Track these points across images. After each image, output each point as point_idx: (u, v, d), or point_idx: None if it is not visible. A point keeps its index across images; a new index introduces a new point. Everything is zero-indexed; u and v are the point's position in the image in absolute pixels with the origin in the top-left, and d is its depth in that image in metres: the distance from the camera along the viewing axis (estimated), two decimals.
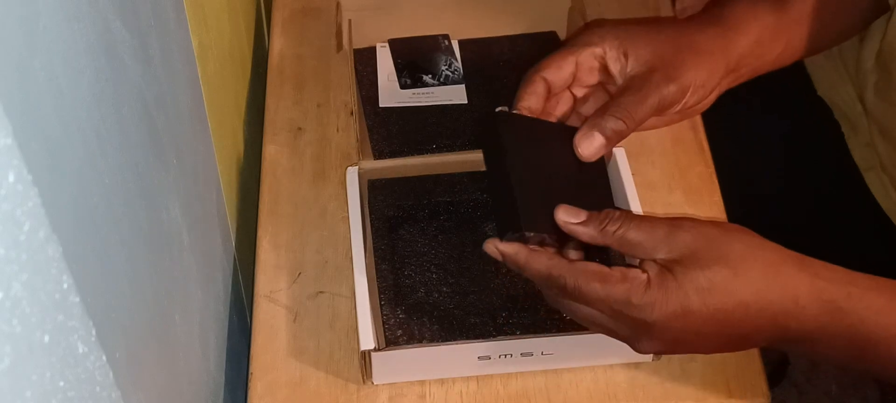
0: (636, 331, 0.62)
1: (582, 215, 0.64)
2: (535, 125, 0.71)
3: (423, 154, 0.83)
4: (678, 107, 0.73)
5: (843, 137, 0.95)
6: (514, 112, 0.72)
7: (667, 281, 0.60)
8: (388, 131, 0.86)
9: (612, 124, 0.70)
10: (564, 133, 0.72)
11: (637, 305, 0.60)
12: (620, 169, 0.77)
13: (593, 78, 0.75)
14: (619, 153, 0.79)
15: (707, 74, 0.74)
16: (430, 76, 0.91)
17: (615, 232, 0.63)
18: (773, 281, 0.61)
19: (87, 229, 0.42)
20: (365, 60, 0.92)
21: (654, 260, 0.62)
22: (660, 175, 0.84)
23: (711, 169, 0.85)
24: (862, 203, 0.93)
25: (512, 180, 0.66)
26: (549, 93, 0.73)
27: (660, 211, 0.82)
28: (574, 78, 0.74)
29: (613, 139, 0.70)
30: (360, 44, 0.93)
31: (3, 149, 0.31)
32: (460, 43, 0.94)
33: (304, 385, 0.73)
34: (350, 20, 0.92)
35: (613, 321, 0.62)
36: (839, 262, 0.96)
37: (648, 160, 0.85)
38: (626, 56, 0.73)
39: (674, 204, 0.83)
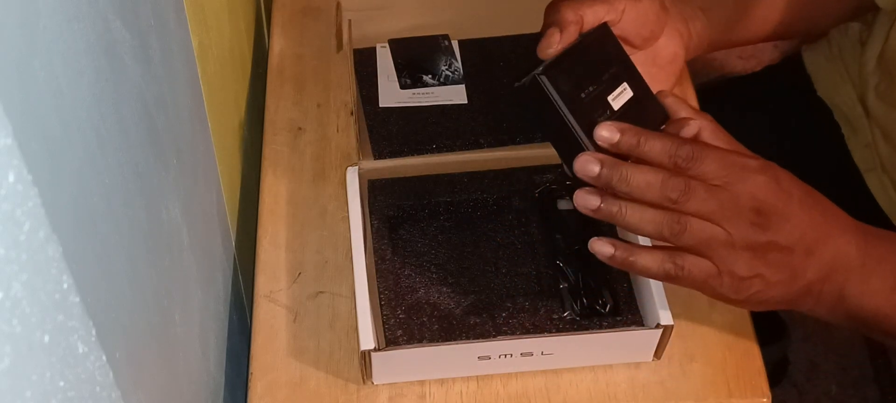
0: (739, 233, 0.61)
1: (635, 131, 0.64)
2: (570, 58, 0.69)
3: (423, 154, 0.83)
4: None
5: (843, 138, 0.95)
6: (549, 64, 0.68)
7: (770, 163, 0.63)
8: (388, 131, 0.86)
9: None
10: (587, 50, 0.70)
11: (754, 163, 0.62)
12: None
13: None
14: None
15: (677, 53, 0.79)
16: (430, 76, 0.91)
17: (699, 155, 0.62)
18: (832, 208, 0.66)
19: (87, 229, 0.42)
20: (365, 60, 0.92)
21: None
22: None
23: None
24: (862, 204, 0.93)
25: (575, 121, 0.65)
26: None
27: None
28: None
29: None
30: (360, 44, 0.93)
31: (3, 149, 0.31)
32: (460, 43, 0.94)
33: (304, 385, 0.73)
34: (350, 20, 0.92)
35: (733, 191, 0.61)
36: None
37: None
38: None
39: None
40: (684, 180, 0.61)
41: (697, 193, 0.60)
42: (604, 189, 0.63)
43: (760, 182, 0.61)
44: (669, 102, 0.68)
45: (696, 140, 0.64)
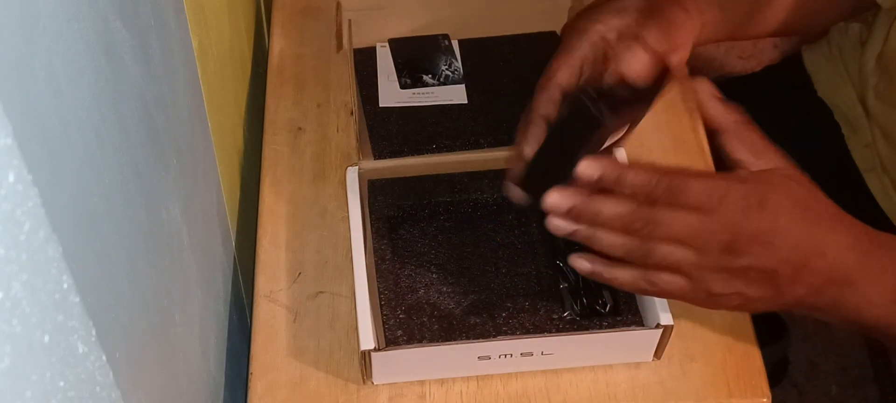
0: (719, 252, 0.62)
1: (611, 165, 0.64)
2: (542, 157, 0.70)
3: (423, 154, 0.83)
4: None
5: (843, 138, 0.95)
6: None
7: (762, 172, 0.64)
8: (388, 131, 0.86)
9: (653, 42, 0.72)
10: (564, 132, 0.70)
11: (738, 189, 0.61)
12: None
13: (600, 62, 0.75)
14: (619, 152, 0.79)
15: (684, 49, 0.77)
16: (430, 76, 0.91)
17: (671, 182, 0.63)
18: (839, 213, 0.65)
19: (87, 229, 0.42)
20: (365, 60, 0.92)
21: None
22: None
23: (711, 169, 0.85)
24: (862, 204, 0.93)
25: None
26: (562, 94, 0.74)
27: None
28: (583, 70, 0.75)
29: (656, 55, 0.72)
30: (360, 43, 0.93)
31: (3, 149, 0.31)
32: (460, 43, 0.94)
33: (304, 385, 0.73)
34: (350, 20, 0.92)
35: (707, 221, 0.62)
36: None
37: (648, 160, 0.85)
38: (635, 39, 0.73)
39: None
40: (648, 212, 0.62)
41: (663, 223, 0.62)
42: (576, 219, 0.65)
43: (739, 209, 0.61)
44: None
45: (680, 171, 0.64)
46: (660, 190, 0.62)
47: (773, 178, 0.63)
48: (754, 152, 0.66)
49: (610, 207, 0.64)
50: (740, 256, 0.61)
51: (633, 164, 0.66)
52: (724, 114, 0.68)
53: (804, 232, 0.63)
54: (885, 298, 0.65)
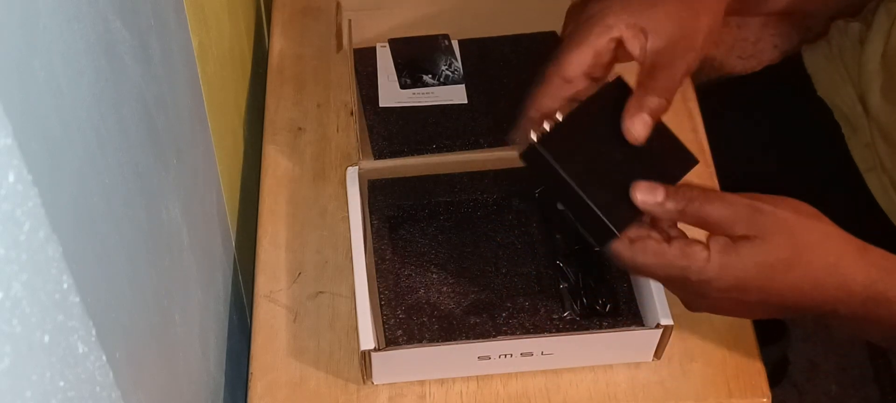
0: (689, 295, 0.66)
1: (660, 193, 0.64)
2: (573, 123, 0.68)
3: (423, 154, 0.83)
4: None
5: (843, 138, 0.95)
6: (547, 128, 0.67)
7: (729, 257, 0.62)
8: (388, 131, 0.86)
9: (655, 104, 0.68)
10: (599, 108, 0.69)
11: (694, 280, 0.63)
12: None
13: (609, 58, 0.71)
14: None
15: (715, 16, 0.73)
16: (430, 76, 0.91)
17: (696, 210, 0.63)
18: (832, 274, 0.63)
19: (87, 229, 0.42)
20: (365, 60, 0.92)
21: (726, 235, 0.63)
22: None
23: (711, 169, 0.85)
24: (862, 203, 0.93)
25: (585, 194, 0.65)
26: (566, 87, 0.70)
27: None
28: (590, 65, 0.71)
29: (657, 117, 0.69)
30: (360, 44, 0.93)
31: (3, 149, 0.31)
32: (460, 43, 0.94)
33: (304, 385, 0.73)
34: (350, 20, 0.92)
35: (669, 283, 0.66)
36: None
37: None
38: (644, 33, 0.69)
39: None
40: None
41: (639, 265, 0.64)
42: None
43: (695, 297, 0.64)
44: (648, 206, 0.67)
45: (642, 250, 0.64)
46: (629, 263, 0.64)
47: (751, 257, 0.63)
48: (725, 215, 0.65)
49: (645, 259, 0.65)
50: (734, 295, 0.64)
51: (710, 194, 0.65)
52: (674, 199, 0.65)
53: (800, 288, 0.63)
54: (884, 328, 0.66)
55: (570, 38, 0.70)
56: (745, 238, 0.62)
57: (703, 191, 0.64)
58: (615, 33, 0.69)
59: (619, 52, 0.71)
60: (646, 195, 0.64)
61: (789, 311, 0.66)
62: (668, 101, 0.69)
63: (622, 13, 0.69)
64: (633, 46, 0.69)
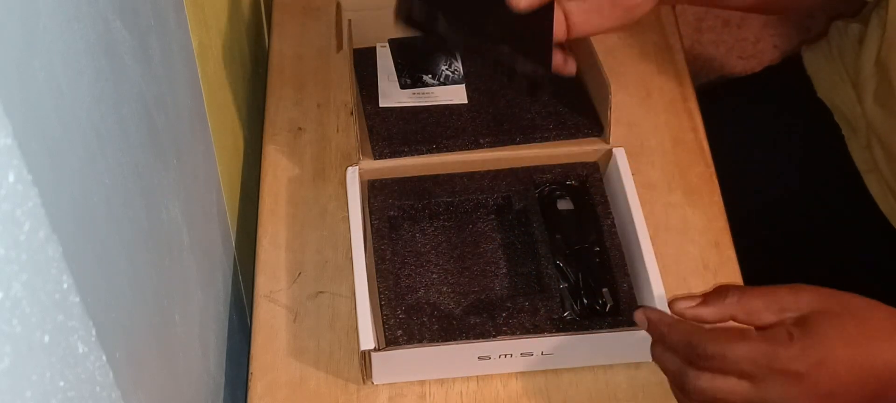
0: (785, 388, 0.59)
1: (696, 298, 0.64)
2: None
3: (423, 154, 0.83)
4: None
5: (843, 139, 0.95)
6: None
7: (809, 331, 0.59)
8: (388, 131, 0.86)
9: None
10: None
11: (785, 356, 0.58)
12: (620, 168, 0.78)
13: None
14: (619, 153, 0.79)
15: None
16: (430, 76, 0.91)
17: (737, 301, 0.62)
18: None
19: (87, 229, 0.42)
20: (365, 60, 0.92)
21: (783, 322, 0.60)
22: (660, 175, 0.84)
23: (711, 169, 0.85)
24: (862, 205, 0.93)
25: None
26: None
27: (660, 211, 0.82)
28: None
29: None
30: (360, 43, 0.93)
31: (3, 149, 0.31)
32: None
33: (304, 385, 0.73)
34: (350, 20, 0.92)
35: (757, 386, 0.60)
36: (838, 263, 0.96)
37: (648, 160, 0.85)
38: None
39: (674, 204, 0.83)
40: (693, 377, 0.61)
41: (708, 393, 0.61)
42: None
43: (793, 377, 0.59)
44: (690, 313, 0.65)
45: (718, 333, 0.62)
46: (702, 356, 0.60)
47: (821, 321, 0.59)
48: (772, 301, 0.62)
49: (657, 352, 0.65)
50: (806, 393, 0.59)
51: (675, 321, 0.64)
52: (712, 300, 0.64)
53: (866, 379, 0.59)
54: None
55: None
56: (807, 318, 0.59)
57: (737, 286, 0.63)
58: None
59: None
60: (685, 303, 0.64)
61: (875, 396, 0.60)
62: None
63: None
64: None
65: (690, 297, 0.64)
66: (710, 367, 0.60)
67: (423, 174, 0.81)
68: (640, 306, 0.68)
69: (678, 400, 0.65)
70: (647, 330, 0.66)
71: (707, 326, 0.63)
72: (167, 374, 0.60)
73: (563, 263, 0.76)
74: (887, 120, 0.88)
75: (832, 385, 0.59)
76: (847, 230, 0.96)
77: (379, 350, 0.69)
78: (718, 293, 0.63)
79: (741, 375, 0.59)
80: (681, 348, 0.62)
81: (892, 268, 0.91)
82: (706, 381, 0.61)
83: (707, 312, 0.63)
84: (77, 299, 0.38)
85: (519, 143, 0.84)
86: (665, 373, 0.65)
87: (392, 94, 0.89)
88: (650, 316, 0.65)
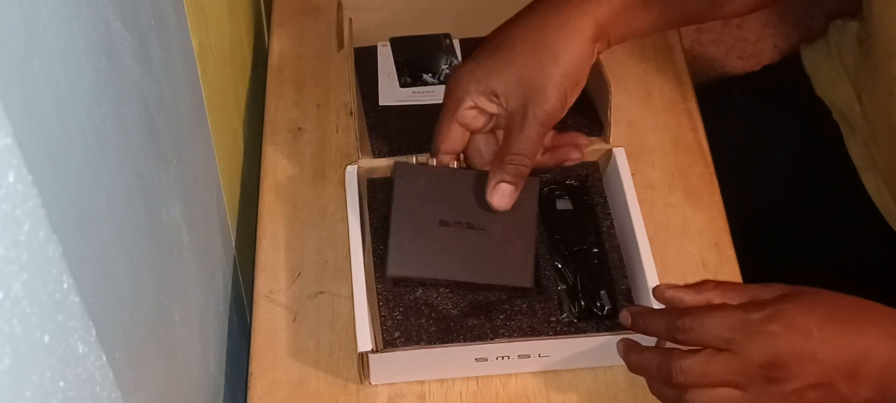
0: (765, 347, 0.61)
1: (678, 286, 0.69)
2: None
3: (422, 153, 0.83)
4: (565, 112, 0.74)
5: (841, 137, 0.95)
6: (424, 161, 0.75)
7: (781, 299, 0.62)
8: (388, 130, 0.86)
9: (512, 171, 0.72)
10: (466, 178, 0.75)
11: (758, 318, 0.61)
12: (620, 169, 0.77)
13: (484, 120, 0.74)
14: (619, 153, 0.79)
15: (576, 68, 0.73)
16: (430, 75, 0.91)
17: (715, 286, 0.67)
18: (869, 304, 0.63)
19: (87, 229, 0.42)
20: (365, 59, 0.92)
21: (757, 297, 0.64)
22: (660, 175, 0.84)
23: (711, 169, 0.85)
24: (859, 202, 0.93)
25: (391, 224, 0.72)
26: (450, 157, 0.76)
27: (660, 211, 0.82)
28: (471, 132, 0.75)
29: (519, 181, 0.72)
30: (360, 42, 0.93)
31: (3, 149, 0.31)
32: (461, 42, 0.94)
33: (304, 385, 0.73)
34: (350, 19, 0.92)
35: (739, 353, 0.61)
36: (836, 261, 0.96)
37: (648, 160, 0.85)
38: (496, 95, 0.72)
39: (674, 204, 0.83)
40: (673, 362, 0.63)
41: (694, 370, 0.62)
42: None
43: (769, 335, 0.60)
44: (670, 295, 0.69)
45: (695, 308, 0.66)
46: (681, 329, 0.63)
47: (792, 297, 0.63)
48: (747, 290, 0.67)
49: (638, 358, 0.68)
50: (788, 381, 0.60)
51: (646, 311, 0.68)
52: (690, 293, 0.68)
53: (844, 338, 0.61)
54: None
55: (440, 115, 0.75)
56: (785, 294, 0.63)
57: (717, 280, 0.68)
58: (469, 103, 0.73)
59: (487, 118, 0.74)
60: (667, 287, 0.69)
61: (860, 368, 0.61)
62: (528, 164, 0.72)
63: (471, 82, 0.72)
64: (491, 109, 0.73)
65: (673, 285, 0.69)
66: (689, 339, 0.63)
67: None
68: (624, 306, 0.71)
69: (662, 397, 0.67)
70: (632, 326, 0.68)
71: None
72: (167, 374, 0.60)
73: (562, 265, 0.76)
74: (885, 118, 0.88)
75: (809, 345, 0.60)
76: (844, 227, 0.97)
77: (376, 351, 0.69)
78: (699, 284, 0.68)
79: (720, 344, 0.62)
80: (661, 328, 0.66)
81: (888, 266, 0.91)
82: (690, 361, 0.63)
83: (686, 294, 0.67)
84: (77, 299, 0.38)
85: None
86: (645, 376, 0.68)
87: (392, 93, 0.89)
88: (632, 310, 0.69)
